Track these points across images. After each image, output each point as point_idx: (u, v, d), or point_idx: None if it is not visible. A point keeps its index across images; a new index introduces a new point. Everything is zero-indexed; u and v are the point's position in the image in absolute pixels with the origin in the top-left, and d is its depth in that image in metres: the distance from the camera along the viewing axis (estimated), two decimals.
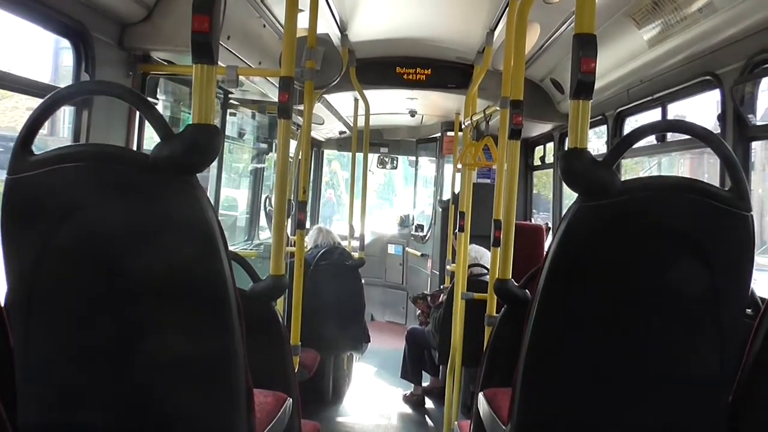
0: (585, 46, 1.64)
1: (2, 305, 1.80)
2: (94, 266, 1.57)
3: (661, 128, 2.97)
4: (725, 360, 1.72)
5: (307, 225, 5.18)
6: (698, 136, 1.79)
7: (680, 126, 2.00)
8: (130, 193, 1.54)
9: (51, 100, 1.58)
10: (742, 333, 1.73)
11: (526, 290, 2.74)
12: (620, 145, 1.74)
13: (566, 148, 1.70)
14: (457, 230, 4.74)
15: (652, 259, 1.68)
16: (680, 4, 2.88)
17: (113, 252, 1.56)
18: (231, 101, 4.91)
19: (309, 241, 5.82)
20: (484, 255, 5.44)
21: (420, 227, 8.75)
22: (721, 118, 2.96)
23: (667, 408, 1.75)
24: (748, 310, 2.41)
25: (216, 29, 1.53)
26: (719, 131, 2.96)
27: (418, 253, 8.62)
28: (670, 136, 3.62)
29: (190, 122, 1.59)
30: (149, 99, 3.08)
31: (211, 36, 1.53)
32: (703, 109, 3.29)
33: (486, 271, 5.19)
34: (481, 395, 2.57)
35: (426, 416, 5.78)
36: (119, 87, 1.73)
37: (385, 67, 5.61)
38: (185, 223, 1.55)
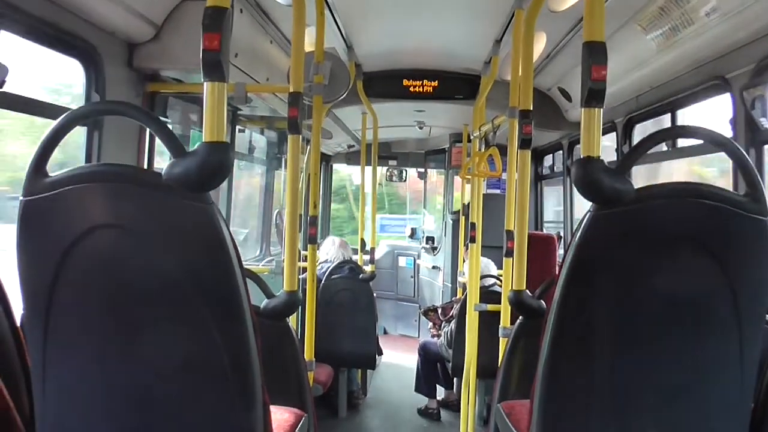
0: (595, 53, 1.64)
1: (19, 325, 1.82)
2: (110, 285, 1.57)
3: (673, 134, 2.94)
4: (746, 366, 1.70)
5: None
6: (711, 141, 1.78)
7: (693, 131, 1.99)
8: (144, 212, 1.54)
9: (64, 121, 1.58)
10: (762, 339, 1.71)
11: (541, 301, 2.73)
12: (633, 152, 1.73)
13: (579, 157, 1.69)
14: (468, 241, 4.72)
15: (669, 267, 1.66)
16: (687, 10, 2.87)
17: (128, 271, 1.56)
18: (240, 117, 4.94)
19: (321, 253, 5.83)
20: (488, 265, 5.44)
21: (431, 239, 8.74)
22: (733, 122, 2.95)
23: (688, 416, 1.73)
24: None
25: (226, 47, 1.54)
26: (731, 135, 2.94)
27: (430, 265, 8.61)
28: (682, 141, 3.61)
29: (199, 139, 1.59)
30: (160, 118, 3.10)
31: (221, 54, 1.53)
32: (715, 113, 3.27)
33: (495, 282, 5.19)
34: (499, 407, 2.55)
35: (442, 429, 5.75)
36: (131, 107, 1.74)
37: (391, 80, 5.61)
38: (199, 240, 1.55)
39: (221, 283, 1.56)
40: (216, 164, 1.52)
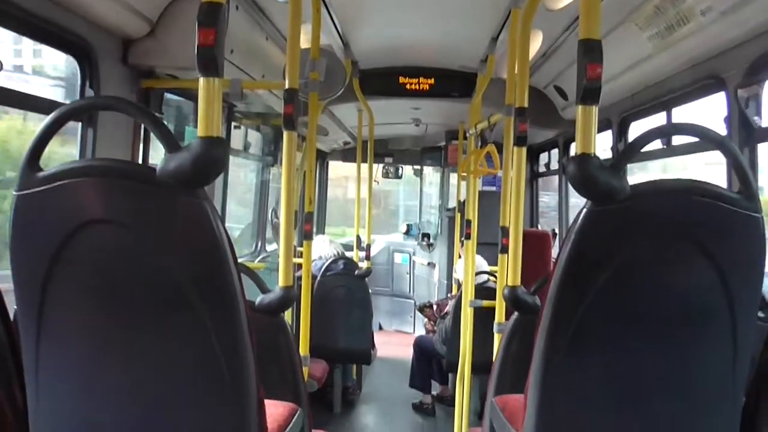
0: (590, 51, 1.64)
1: (12, 319, 1.82)
2: (103, 280, 1.57)
3: (668, 132, 2.96)
4: (737, 363, 1.72)
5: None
6: (706, 138, 1.79)
7: (688, 129, 2.00)
8: (139, 208, 1.54)
9: (57, 115, 1.58)
10: (754, 336, 1.73)
11: (536, 297, 2.74)
12: (628, 149, 1.75)
13: (574, 154, 1.70)
14: (463, 238, 4.73)
15: (663, 263, 1.68)
16: (683, 9, 2.88)
17: (122, 266, 1.56)
18: (236, 114, 4.93)
19: (313, 252, 5.83)
20: (479, 262, 5.45)
21: (426, 236, 8.75)
22: (727, 120, 2.96)
23: (682, 408, 1.75)
24: (760, 313, 2.40)
25: (221, 42, 1.53)
26: (725, 134, 2.95)
27: (425, 262, 8.62)
28: (677, 139, 3.61)
29: (193, 135, 1.59)
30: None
31: (216, 49, 1.53)
32: (710, 111, 3.28)
33: (489, 278, 5.20)
34: (493, 402, 2.56)
35: (436, 424, 5.77)
36: (125, 102, 1.74)
37: (387, 77, 5.60)
38: (193, 236, 1.55)
39: (216, 278, 1.56)
40: (210, 159, 1.52)
